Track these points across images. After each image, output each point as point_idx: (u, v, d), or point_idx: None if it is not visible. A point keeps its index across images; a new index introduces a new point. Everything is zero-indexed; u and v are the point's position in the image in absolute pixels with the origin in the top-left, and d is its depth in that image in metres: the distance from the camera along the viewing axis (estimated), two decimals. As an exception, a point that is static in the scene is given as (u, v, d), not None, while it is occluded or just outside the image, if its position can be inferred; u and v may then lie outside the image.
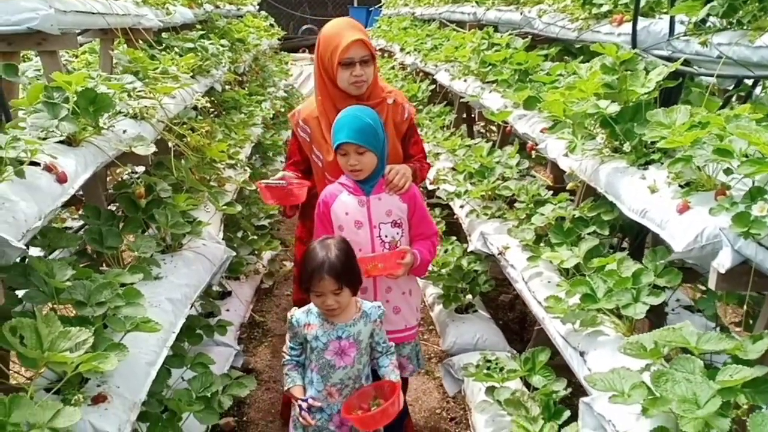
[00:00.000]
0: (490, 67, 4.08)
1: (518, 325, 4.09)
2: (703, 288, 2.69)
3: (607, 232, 2.52)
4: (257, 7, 10.73)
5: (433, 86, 5.82)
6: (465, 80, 4.45)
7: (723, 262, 1.72)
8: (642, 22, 2.84)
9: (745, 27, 2.26)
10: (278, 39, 10.53)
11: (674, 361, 1.53)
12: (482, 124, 4.72)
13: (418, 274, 2.58)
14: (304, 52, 15.82)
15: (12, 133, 1.61)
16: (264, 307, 4.38)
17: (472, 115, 5.32)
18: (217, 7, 6.66)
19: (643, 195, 2.15)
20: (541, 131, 2.98)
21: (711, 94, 2.68)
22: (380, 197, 2.45)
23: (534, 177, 3.75)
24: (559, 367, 2.55)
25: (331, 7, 19.03)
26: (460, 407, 3.30)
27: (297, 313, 2.25)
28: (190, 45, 4.18)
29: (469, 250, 3.30)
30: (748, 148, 1.63)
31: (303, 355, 2.29)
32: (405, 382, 2.62)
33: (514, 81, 3.69)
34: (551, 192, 3.11)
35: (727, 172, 1.92)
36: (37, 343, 1.40)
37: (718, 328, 2.03)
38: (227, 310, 3.40)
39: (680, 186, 2.07)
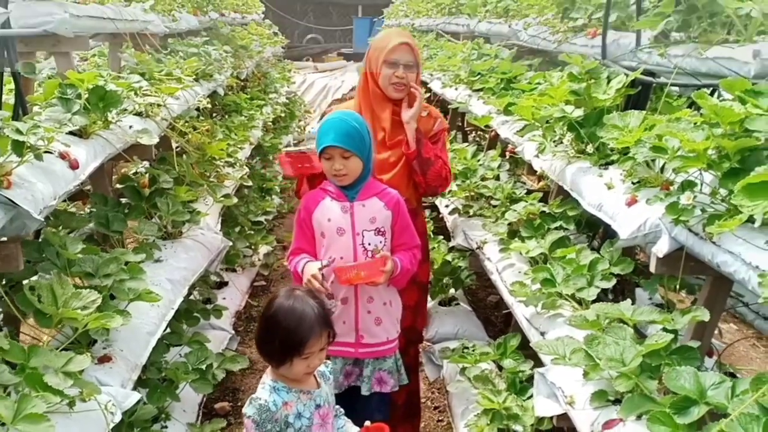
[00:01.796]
0: (479, 76, 4.30)
1: (503, 323, 4.30)
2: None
3: (572, 227, 2.74)
4: (262, 15, 11.02)
5: (428, 94, 6.05)
6: (456, 88, 4.68)
7: (661, 247, 1.93)
8: (613, 35, 3.07)
9: (698, 41, 2.48)
10: (282, 47, 10.79)
11: (608, 329, 1.74)
12: (472, 129, 4.93)
13: (397, 285, 2.43)
14: (307, 60, 16.12)
15: (32, 122, 1.83)
16: (260, 303, 4.60)
17: (465, 123, 5.55)
18: (222, 15, 6.93)
19: (600, 191, 2.37)
20: (515, 134, 3.21)
21: (688, 104, 2.89)
22: (364, 204, 2.34)
23: (520, 181, 3.96)
24: (533, 356, 2.75)
25: (335, 16, 19.34)
26: (443, 397, 3.49)
27: (263, 398, 1.84)
28: (194, 50, 4.42)
29: (451, 245, 3.51)
30: (681, 146, 1.84)
31: None
32: (384, 397, 2.48)
33: (499, 89, 3.91)
34: (525, 191, 3.33)
35: (676, 171, 2.14)
36: (53, 301, 1.62)
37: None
38: (224, 299, 3.61)
39: (633, 183, 2.28)
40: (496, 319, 4.32)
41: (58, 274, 1.74)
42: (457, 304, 3.70)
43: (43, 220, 1.70)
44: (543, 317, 2.39)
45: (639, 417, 1.64)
